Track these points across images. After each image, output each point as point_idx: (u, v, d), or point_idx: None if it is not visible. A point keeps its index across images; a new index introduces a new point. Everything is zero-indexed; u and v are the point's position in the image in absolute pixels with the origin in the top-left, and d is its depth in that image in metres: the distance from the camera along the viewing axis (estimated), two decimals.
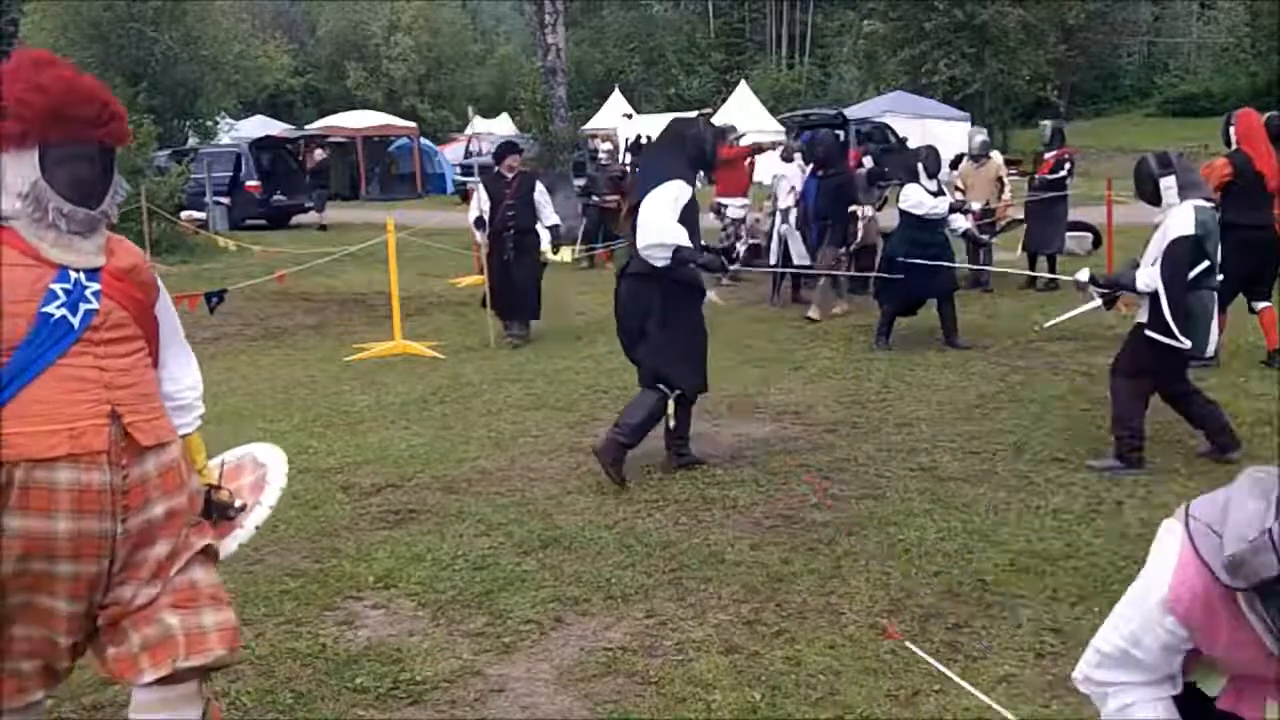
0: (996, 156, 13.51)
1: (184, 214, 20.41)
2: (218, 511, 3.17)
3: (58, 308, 2.66)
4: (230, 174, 25.45)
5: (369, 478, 6.35)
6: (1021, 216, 12.68)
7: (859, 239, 11.64)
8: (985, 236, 11.69)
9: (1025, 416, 7.26)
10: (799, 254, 12.06)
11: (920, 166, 9.65)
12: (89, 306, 2.70)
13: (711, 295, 12.44)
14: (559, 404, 8.01)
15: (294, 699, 3.84)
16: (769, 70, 51.95)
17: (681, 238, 5.93)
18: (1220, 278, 6.06)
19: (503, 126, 38.76)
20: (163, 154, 23.62)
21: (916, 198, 9.48)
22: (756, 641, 4.16)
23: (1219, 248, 5.96)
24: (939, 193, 9.74)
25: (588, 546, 5.16)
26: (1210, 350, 6.17)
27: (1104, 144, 34.03)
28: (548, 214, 10.53)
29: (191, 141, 30.78)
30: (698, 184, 6.56)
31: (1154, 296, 5.85)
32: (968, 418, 7.30)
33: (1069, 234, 14.47)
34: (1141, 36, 49.54)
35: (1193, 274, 5.80)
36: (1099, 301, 6.49)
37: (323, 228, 24.11)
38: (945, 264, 9.53)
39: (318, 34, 50.68)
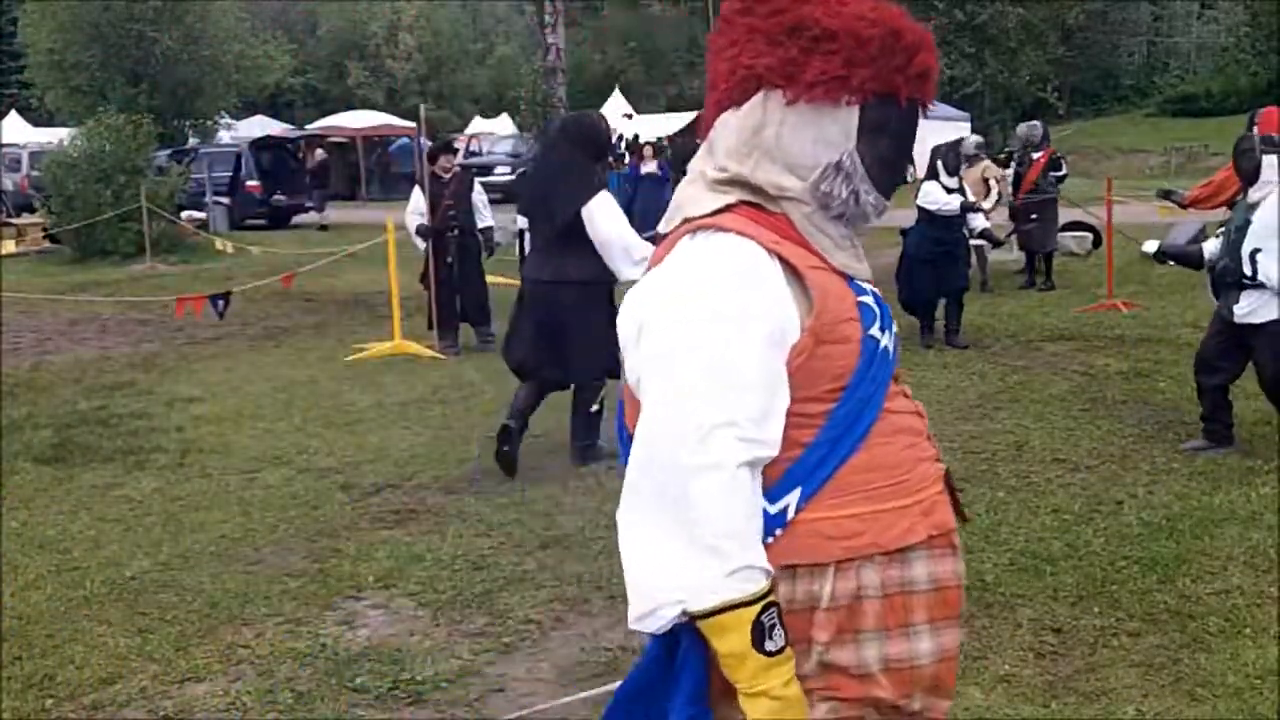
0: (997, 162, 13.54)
1: (184, 214, 20.41)
2: None
3: (879, 330, 1.81)
4: (230, 174, 25.46)
5: (369, 478, 6.35)
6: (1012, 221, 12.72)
7: None
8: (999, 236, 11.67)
9: (1025, 416, 7.26)
10: None
11: (940, 164, 9.64)
12: (894, 329, 1.90)
13: None
14: (560, 404, 7.99)
15: (294, 699, 3.84)
16: None
17: (644, 246, 6.01)
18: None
19: (503, 126, 38.75)
20: (163, 154, 23.65)
21: (932, 194, 9.48)
22: None
23: None
24: (955, 190, 9.69)
25: (588, 546, 5.16)
26: None
27: (1104, 144, 34.03)
28: (484, 215, 10.29)
29: (191, 141, 30.86)
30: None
31: None
32: (968, 418, 7.30)
33: (1070, 234, 14.51)
34: (1141, 36, 49.53)
35: None
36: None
37: (323, 228, 24.13)
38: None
39: (318, 34, 50.64)
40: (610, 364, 6.29)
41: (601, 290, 6.23)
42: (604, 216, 6.09)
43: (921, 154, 15.32)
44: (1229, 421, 6.34)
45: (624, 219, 6.21)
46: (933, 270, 9.49)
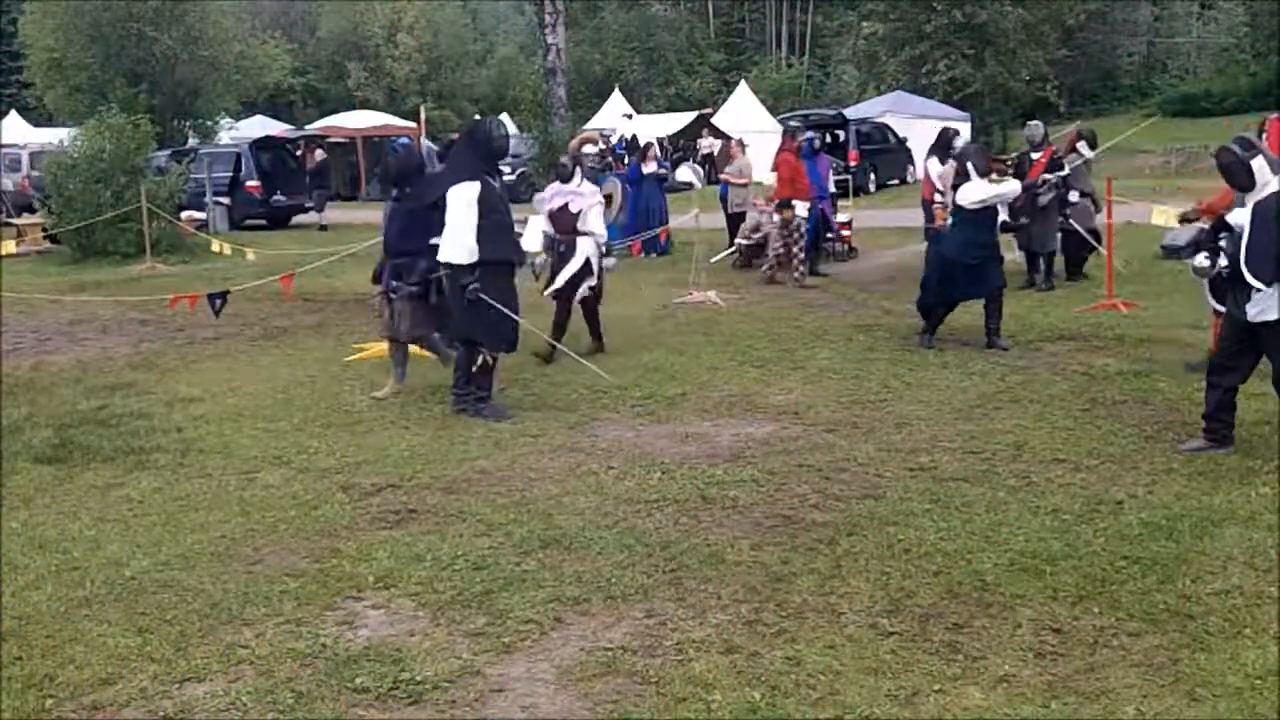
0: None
1: (184, 214, 20.41)
2: None
3: None
4: (230, 174, 25.43)
5: (369, 478, 6.35)
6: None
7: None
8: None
9: (1025, 416, 7.26)
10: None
11: (969, 165, 9.43)
12: None
13: (711, 295, 12.52)
14: (559, 404, 8.01)
15: (294, 699, 3.85)
16: (769, 70, 51.92)
17: (470, 242, 7.25)
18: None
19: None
20: (163, 154, 23.64)
21: (979, 191, 9.25)
22: (756, 641, 4.17)
23: None
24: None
25: (588, 546, 5.16)
26: None
27: (1104, 144, 34.03)
28: None
29: (191, 141, 30.84)
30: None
31: None
32: (968, 418, 7.30)
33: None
34: (1141, 36, 49.51)
35: None
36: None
37: (323, 228, 24.10)
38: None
39: (318, 34, 50.65)
40: (484, 330, 7.48)
41: (495, 269, 7.40)
42: (453, 202, 7.29)
43: (920, 155, 15.19)
44: (1230, 421, 6.35)
45: (466, 212, 7.24)
46: (969, 272, 9.31)
